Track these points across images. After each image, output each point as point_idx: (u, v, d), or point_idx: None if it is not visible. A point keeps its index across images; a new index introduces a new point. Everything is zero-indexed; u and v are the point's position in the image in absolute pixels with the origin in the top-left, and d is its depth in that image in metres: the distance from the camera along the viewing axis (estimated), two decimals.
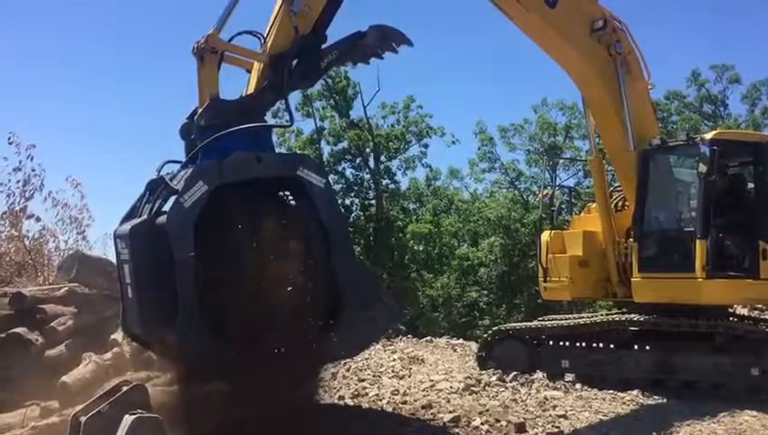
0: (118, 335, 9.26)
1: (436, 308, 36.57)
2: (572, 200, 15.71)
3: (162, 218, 6.62)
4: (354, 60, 8.53)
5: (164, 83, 62.60)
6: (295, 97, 33.53)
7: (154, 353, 7.68)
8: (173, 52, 59.84)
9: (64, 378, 8.28)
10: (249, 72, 7.99)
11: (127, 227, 6.67)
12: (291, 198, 7.46)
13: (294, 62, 7.81)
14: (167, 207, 6.72)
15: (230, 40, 7.61)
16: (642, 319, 10.05)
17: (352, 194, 36.71)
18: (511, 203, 39.44)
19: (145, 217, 6.74)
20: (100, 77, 61.63)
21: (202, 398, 6.46)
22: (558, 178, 39.00)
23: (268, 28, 7.80)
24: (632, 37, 10.57)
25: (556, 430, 8.02)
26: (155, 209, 6.81)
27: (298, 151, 33.11)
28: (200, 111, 7.39)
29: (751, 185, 10.27)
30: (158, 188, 6.98)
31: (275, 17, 7.71)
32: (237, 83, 8.02)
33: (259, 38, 7.76)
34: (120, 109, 62.31)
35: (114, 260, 7.44)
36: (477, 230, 39.58)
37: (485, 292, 37.07)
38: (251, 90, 7.78)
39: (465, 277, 37.72)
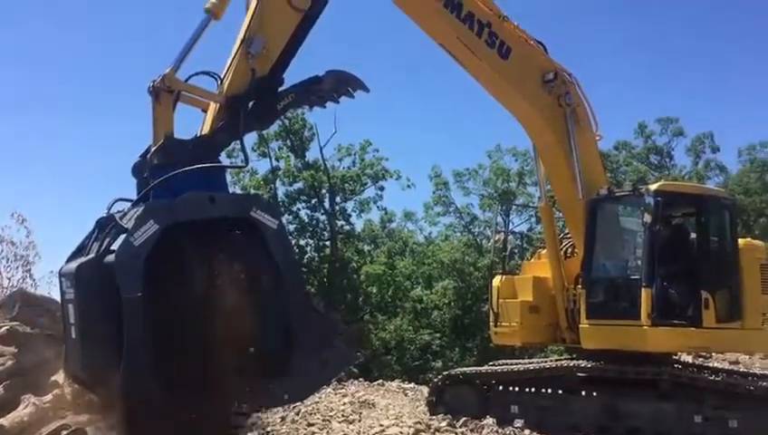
0: (59, 377, 8.97)
1: (389, 351, 36.35)
2: (525, 246, 15.93)
3: (111, 257, 6.51)
4: (310, 103, 8.62)
5: (118, 120, 61.87)
6: (251, 137, 33.40)
7: (97, 396, 7.46)
8: (128, 87, 59.38)
9: (1, 420, 7.98)
10: (205, 111, 8.00)
11: (73, 265, 6.55)
12: (244, 239, 7.43)
13: (251, 103, 7.85)
14: (116, 246, 6.61)
15: (187, 80, 7.63)
16: (589, 365, 10.19)
17: (307, 235, 36.57)
18: (465, 247, 39.88)
19: (93, 255, 6.61)
20: (54, 111, 60.70)
21: None
22: (511, 224, 39.72)
23: (225, 69, 7.84)
24: (581, 89, 10.95)
25: None
26: (104, 248, 6.68)
27: (252, 191, 33.03)
28: (154, 149, 7.34)
29: (693, 235, 10.59)
30: (107, 226, 6.87)
31: (233, 59, 7.76)
32: (193, 122, 8.03)
33: (216, 79, 7.78)
34: (72, 144, 61.46)
35: (59, 299, 7.26)
36: (431, 273, 39.81)
37: (438, 335, 37.08)
38: (206, 130, 7.77)
39: (419, 320, 37.72)
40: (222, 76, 7.77)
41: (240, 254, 7.29)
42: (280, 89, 8.14)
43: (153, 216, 6.59)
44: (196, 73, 7.69)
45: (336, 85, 8.52)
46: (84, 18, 62.00)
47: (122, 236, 6.56)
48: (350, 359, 8.78)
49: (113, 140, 58.12)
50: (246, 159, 7.86)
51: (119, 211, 7.16)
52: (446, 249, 39.98)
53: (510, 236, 14.65)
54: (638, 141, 40.97)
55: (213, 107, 7.85)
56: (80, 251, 6.93)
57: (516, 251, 14.70)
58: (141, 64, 52.20)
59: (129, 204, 7.28)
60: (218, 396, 6.53)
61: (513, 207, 38.44)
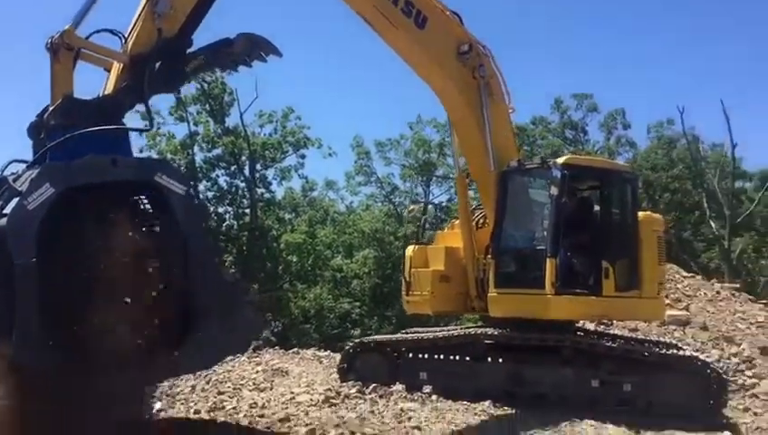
0: None
1: (308, 319, 36.41)
2: (444, 216, 16.16)
3: (2, 221, 6.23)
4: (221, 66, 8.45)
5: (14, 78, 58.51)
6: (167, 100, 32.52)
7: None
8: (26, 43, 56.08)
9: None
10: (108, 71, 7.70)
11: None
12: (147, 204, 7.23)
13: (157, 64, 7.60)
14: (9, 210, 6.32)
15: (88, 37, 7.32)
16: (496, 333, 10.48)
17: (226, 202, 35.96)
18: (385, 217, 40.18)
19: None
20: None
21: (39, 413, 6.09)
22: (432, 195, 40.27)
23: (130, 28, 7.56)
24: (495, 62, 11.08)
25: None
26: None
27: (169, 156, 32.16)
28: (51, 109, 7.04)
29: (597, 208, 10.99)
30: (0, 188, 6.55)
31: (138, 17, 7.49)
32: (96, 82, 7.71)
33: (120, 37, 7.50)
34: None
35: None
36: (352, 242, 39.96)
37: (358, 303, 37.38)
38: (109, 90, 7.49)
39: (339, 289, 37.89)
40: (126, 35, 7.49)
41: (143, 220, 7.13)
42: (189, 51, 7.92)
43: (49, 178, 6.34)
44: (98, 31, 7.41)
45: (248, 48, 8.35)
46: None
47: (16, 200, 6.30)
48: (259, 327, 8.76)
49: (8, 99, 55.07)
50: (152, 123, 7.65)
51: (12, 173, 6.85)
52: (367, 219, 40.22)
53: (430, 207, 14.79)
54: (554, 116, 42.14)
55: (116, 67, 7.58)
56: None
57: (435, 221, 14.88)
58: (41, 19, 49.43)
59: (24, 166, 6.98)
60: (120, 366, 6.37)
61: (434, 178, 38.90)
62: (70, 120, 6.91)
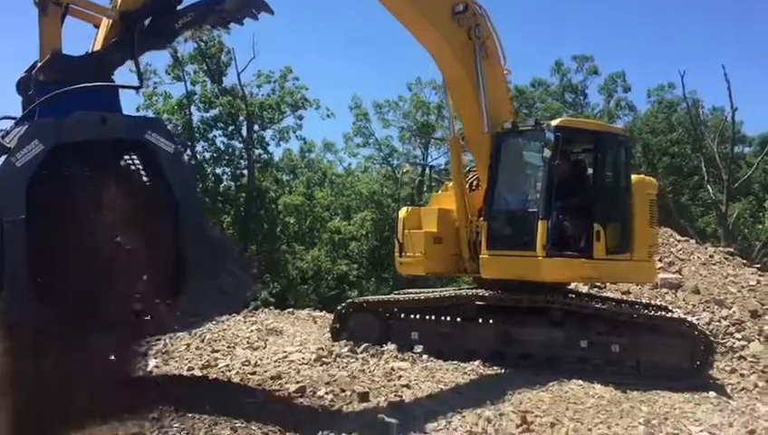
0: None
1: (305, 281, 36.63)
2: (441, 179, 16.14)
3: None
4: (212, 23, 8.35)
5: (3, 32, 57.67)
6: (164, 59, 32.23)
7: None
8: None
9: None
10: (97, 27, 7.64)
11: None
12: (137, 162, 7.24)
13: (147, 21, 7.54)
14: None
15: None
16: (487, 294, 10.54)
17: (223, 163, 35.82)
18: (383, 179, 40.14)
19: None
20: None
21: (31, 369, 6.17)
22: (430, 157, 40.17)
23: None
24: (491, 23, 10.94)
25: (398, 399, 8.34)
26: None
27: (166, 116, 31.96)
28: (40, 65, 7.00)
29: (590, 171, 10.96)
30: None
31: None
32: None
33: None
34: None
35: None
36: (350, 204, 39.99)
37: (356, 265, 37.56)
38: (98, 47, 7.44)
39: (336, 251, 38.03)
40: None
41: (133, 178, 7.14)
42: (179, 7, 7.84)
43: (38, 135, 6.35)
44: None
45: (239, 5, 8.27)
46: None
47: (4, 157, 6.30)
48: (248, 286, 8.81)
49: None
50: (141, 80, 7.62)
51: (1, 130, 6.83)
52: (365, 181, 40.16)
53: (428, 170, 14.74)
54: (554, 79, 41.76)
55: (105, 23, 7.52)
56: None
57: (433, 184, 14.85)
58: None
59: (12, 122, 6.97)
60: (112, 324, 6.44)
61: (432, 140, 38.74)
62: (58, 76, 6.88)
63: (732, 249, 17.81)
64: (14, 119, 7.01)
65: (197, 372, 9.42)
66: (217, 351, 11.09)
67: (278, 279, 34.46)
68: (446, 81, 11.54)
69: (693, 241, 17.22)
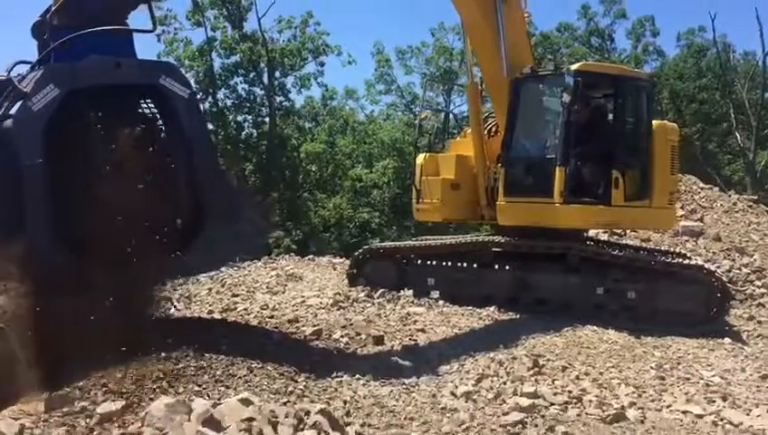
0: None
1: (327, 228, 36.84)
2: (462, 125, 15.98)
3: (8, 122, 6.31)
4: None
5: None
6: (184, 4, 31.97)
7: None
8: None
9: None
10: None
11: None
12: (152, 107, 7.27)
13: None
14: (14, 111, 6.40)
15: None
16: (503, 240, 10.55)
17: (245, 110, 35.80)
18: (405, 126, 39.83)
19: None
20: None
21: (54, 310, 6.32)
22: (453, 104, 39.70)
23: None
24: None
25: (413, 342, 8.47)
26: (1, 113, 6.46)
27: (187, 62, 31.89)
28: (54, 8, 6.98)
29: (611, 117, 10.79)
30: (5, 90, 6.60)
31: None
32: None
33: None
34: None
35: None
36: (372, 152, 39.83)
37: (377, 213, 37.62)
38: None
39: (358, 198, 38.08)
40: None
41: (148, 123, 7.18)
42: None
43: (53, 79, 6.38)
44: None
45: None
46: None
47: (21, 101, 6.35)
48: (265, 231, 8.91)
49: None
50: (154, 24, 7.55)
51: (18, 75, 6.87)
52: (387, 128, 39.90)
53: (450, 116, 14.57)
54: (580, 23, 40.76)
55: None
56: None
57: (455, 131, 14.70)
58: None
59: (29, 66, 7.00)
60: (131, 268, 6.55)
61: (455, 87, 38.23)
62: (73, 20, 6.86)
63: (756, 197, 17.53)
64: (31, 63, 7.03)
65: (217, 316, 9.62)
66: (237, 295, 11.31)
67: (300, 227, 34.69)
68: (464, 24, 11.38)
69: (716, 189, 17.00)
